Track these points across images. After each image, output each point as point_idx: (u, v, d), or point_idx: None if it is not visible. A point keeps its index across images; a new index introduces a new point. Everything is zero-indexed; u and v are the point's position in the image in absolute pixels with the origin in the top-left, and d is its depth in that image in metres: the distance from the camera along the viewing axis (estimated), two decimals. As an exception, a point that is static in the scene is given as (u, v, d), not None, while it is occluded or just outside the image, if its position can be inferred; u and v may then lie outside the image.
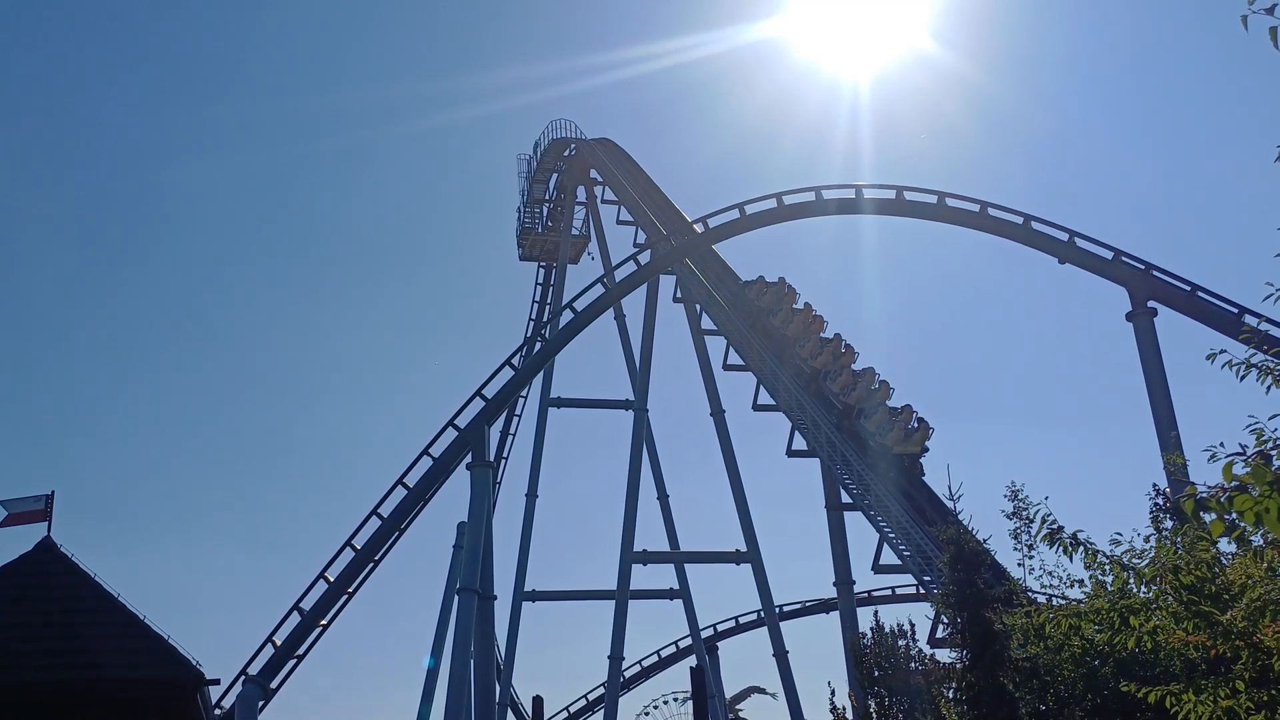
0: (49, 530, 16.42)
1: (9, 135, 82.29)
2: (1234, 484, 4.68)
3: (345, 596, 25.95)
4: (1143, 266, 29.35)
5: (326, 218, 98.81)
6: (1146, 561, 9.04)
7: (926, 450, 29.24)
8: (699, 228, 32.65)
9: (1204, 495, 4.85)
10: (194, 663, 14.72)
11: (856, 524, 29.84)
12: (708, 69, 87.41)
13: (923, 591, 26.66)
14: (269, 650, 25.06)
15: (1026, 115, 77.32)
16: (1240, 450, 5.54)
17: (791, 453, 30.97)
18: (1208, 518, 5.02)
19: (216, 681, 16.13)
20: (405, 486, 27.05)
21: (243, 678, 24.66)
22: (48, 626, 14.93)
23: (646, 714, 48.58)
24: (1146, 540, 9.95)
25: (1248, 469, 4.77)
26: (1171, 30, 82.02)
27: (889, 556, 26.56)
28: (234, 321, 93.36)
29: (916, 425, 29.26)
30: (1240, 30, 4.65)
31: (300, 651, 25.27)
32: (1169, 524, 12.23)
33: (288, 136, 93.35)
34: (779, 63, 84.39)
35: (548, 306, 46.48)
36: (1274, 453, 5.51)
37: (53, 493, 16.75)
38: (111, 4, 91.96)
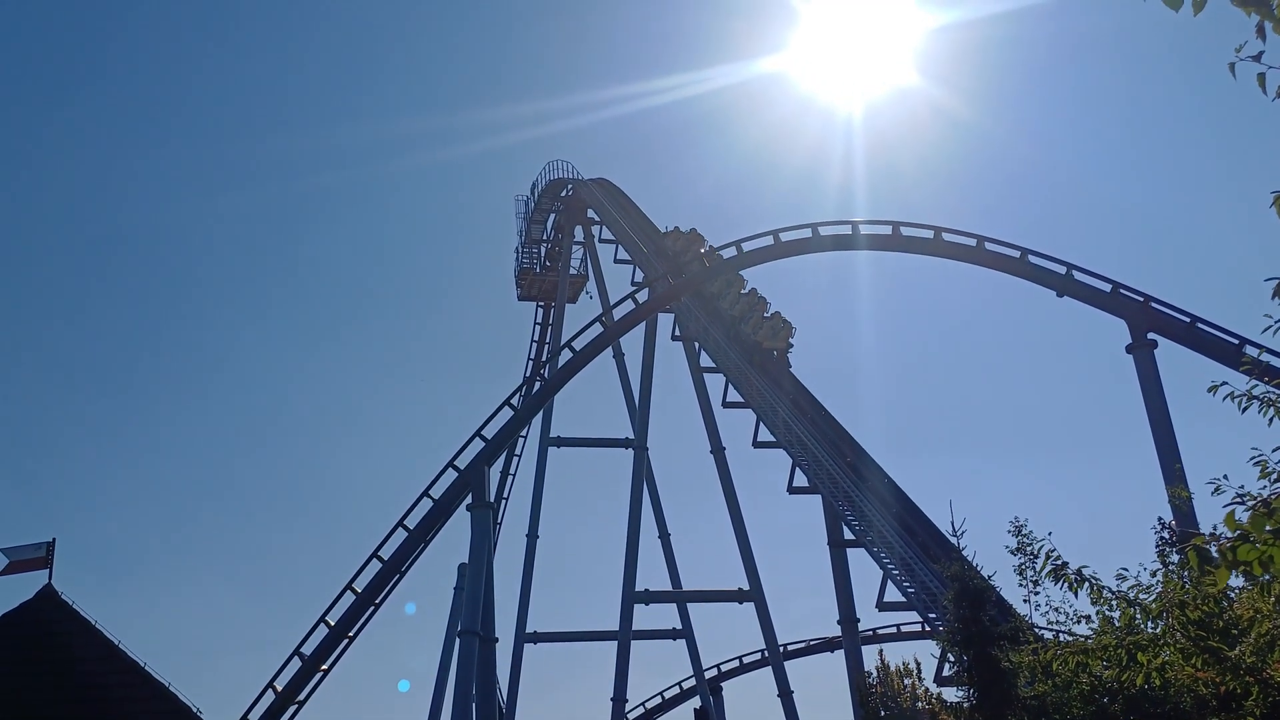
0: (50, 578, 16.41)
1: (20, 172, 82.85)
2: (1237, 533, 4.62)
3: (346, 641, 25.81)
4: (1141, 299, 29.31)
5: (323, 258, 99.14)
6: (1153, 597, 8.97)
7: (791, 346, 36.12)
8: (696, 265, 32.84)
9: (1208, 546, 4.81)
10: (194, 710, 14.63)
11: (860, 560, 29.75)
12: (708, 104, 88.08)
13: (928, 629, 26.44)
14: (270, 696, 24.88)
15: (1022, 150, 77.88)
16: (1239, 497, 5.50)
17: (793, 489, 30.87)
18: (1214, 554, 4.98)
19: (218, 729, 16.04)
20: (405, 528, 26.95)
21: (243, 725, 24.45)
22: (49, 675, 14.85)
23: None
24: (1153, 575, 9.89)
25: (1248, 512, 4.73)
26: (1165, 63, 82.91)
27: (893, 593, 26.36)
28: (230, 365, 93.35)
29: (783, 325, 35.85)
30: (1232, 57, 4.66)
31: (301, 697, 25.12)
32: (1175, 558, 12.17)
33: (286, 175, 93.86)
34: (780, 98, 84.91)
35: (546, 346, 46.58)
36: (1273, 496, 5.46)
37: (54, 540, 16.75)
38: (106, 42, 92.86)
